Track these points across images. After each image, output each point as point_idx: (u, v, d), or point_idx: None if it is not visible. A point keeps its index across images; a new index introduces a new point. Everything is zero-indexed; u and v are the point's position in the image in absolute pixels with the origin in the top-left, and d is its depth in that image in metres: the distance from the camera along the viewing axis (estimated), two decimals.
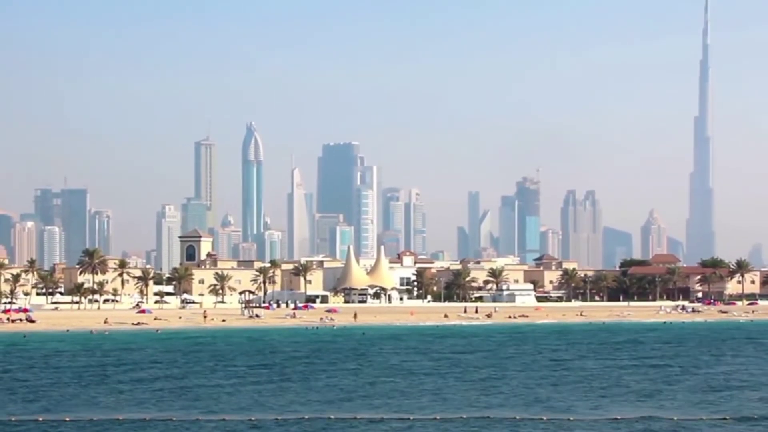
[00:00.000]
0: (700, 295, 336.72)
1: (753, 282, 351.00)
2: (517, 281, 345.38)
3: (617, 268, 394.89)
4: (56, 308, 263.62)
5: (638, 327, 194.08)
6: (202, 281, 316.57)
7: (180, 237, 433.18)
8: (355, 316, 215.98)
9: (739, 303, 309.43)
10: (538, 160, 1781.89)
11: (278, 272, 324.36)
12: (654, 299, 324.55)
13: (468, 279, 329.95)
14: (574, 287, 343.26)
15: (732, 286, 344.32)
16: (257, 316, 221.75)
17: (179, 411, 68.61)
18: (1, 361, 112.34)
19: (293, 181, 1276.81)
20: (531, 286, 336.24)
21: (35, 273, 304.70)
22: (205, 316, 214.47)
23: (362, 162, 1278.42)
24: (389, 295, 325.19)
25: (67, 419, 64.86)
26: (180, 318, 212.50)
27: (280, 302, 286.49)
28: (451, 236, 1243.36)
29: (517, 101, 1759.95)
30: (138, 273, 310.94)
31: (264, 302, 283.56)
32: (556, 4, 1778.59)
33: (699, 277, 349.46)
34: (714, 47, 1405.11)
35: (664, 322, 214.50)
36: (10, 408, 70.88)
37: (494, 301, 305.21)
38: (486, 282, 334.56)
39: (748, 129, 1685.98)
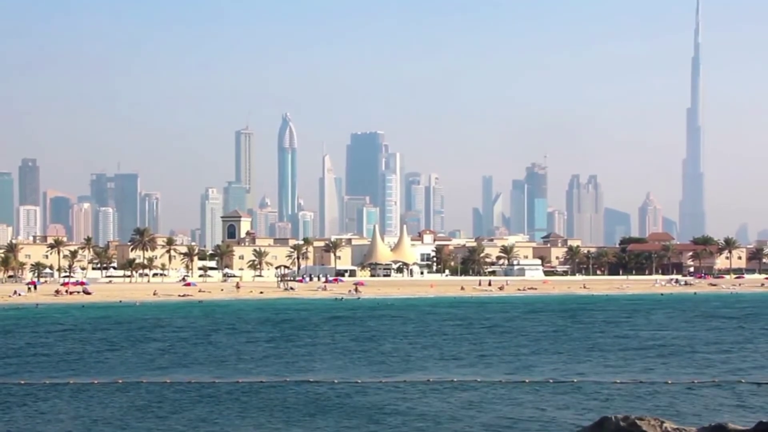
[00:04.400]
0: (692, 269, 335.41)
1: (740, 258, 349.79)
2: (526, 257, 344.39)
3: (617, 245, 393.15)
4: (110, 281, 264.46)
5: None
6: (242, 257, 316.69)
7: (222, 217, 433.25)
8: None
9: (727, 277, 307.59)
10: (546, 148, 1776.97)
11: (311, 249, 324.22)
12: (650, 273, 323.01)
13: (482, 255, 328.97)
14: (578, 262, 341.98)
15: (721, 262, 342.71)
16: (291, 288, 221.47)
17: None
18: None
19: (324, 166, 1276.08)
20: (539, 262, 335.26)
21: (91, 250, 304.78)
22: (238, 287, 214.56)
23: (387, 149, 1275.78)
24: (411, 270, 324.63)
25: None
26: (222, 290, 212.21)
27: (312, 276, 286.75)
28: (467, 216, 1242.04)
29: (526, 94, 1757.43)
30: (184, 250, 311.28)
31: (298, 276, 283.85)
32: (561, 6, 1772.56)
33: (691, 253, 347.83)
34: (705, 45, 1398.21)
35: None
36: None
37: (506, 275, 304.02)
38: (498, 258, 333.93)
39: (736, 119, 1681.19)
